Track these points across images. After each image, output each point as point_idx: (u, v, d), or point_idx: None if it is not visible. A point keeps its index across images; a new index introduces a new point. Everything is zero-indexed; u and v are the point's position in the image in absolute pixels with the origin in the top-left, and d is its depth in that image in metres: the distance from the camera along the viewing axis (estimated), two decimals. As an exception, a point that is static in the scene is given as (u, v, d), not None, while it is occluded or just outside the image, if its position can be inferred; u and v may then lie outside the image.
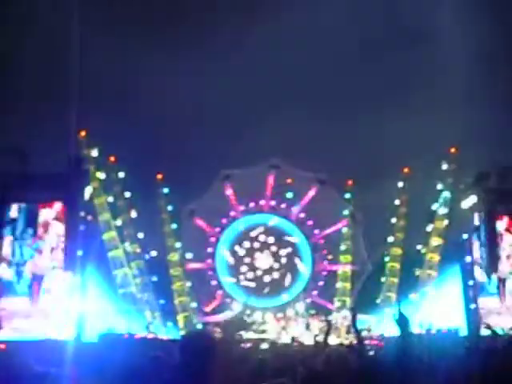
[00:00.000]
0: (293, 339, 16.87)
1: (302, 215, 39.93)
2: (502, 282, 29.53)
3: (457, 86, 37.52)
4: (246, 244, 39.48)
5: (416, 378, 6.30)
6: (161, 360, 7.14)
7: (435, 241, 34.93)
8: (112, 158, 33.77)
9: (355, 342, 8.45)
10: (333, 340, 27.92)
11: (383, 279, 37.36)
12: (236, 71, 39.00)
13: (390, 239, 37.25)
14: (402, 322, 6.15)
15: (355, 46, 40.46)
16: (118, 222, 33.66)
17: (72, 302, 25.21)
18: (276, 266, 39.18)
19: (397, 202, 37.12)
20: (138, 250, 34.77)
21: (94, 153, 31.69)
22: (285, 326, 35.49)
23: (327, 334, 9.32)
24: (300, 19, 39.31)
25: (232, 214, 39.81)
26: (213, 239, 39.42)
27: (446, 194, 34.68)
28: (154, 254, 36.03)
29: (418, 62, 39.10)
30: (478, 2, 35.72)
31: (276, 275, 39.03)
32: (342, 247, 39.37)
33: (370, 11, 39.86)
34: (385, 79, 40.12)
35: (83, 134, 31.29)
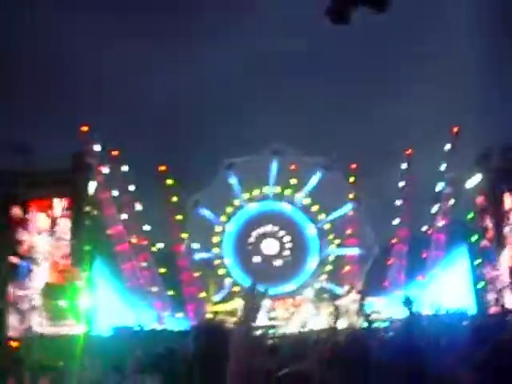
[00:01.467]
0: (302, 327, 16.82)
1: (308, 201, 39.93)
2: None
3: (458, 67, 37.45)
4: (253, 232, 39.52)
5: (425, 362, 6.35)
6: (175, 352, 7.19)
7: (441, 221, 34.93)
8: (115, 152, 33.74)
9: (364, 324, 8.53)
10: (343, 324, 28.01)
11: (390, 261, 37.41)
12: (235, 59, 38.94)
13: (396, 221, 37.25)
14: (409, 304, 6.36)
15: (361, 31, 40.22)
16: (124, 216, 33.68)
17: (82, 297, 25.34)
18: (284, 252, 39.23)
19: (401, 183, 37.09)
20: (145, 243, 34.83)
21: (97, 147, 31.65)
22: (294, 312, 35.57)
23: (336, 318, 9.38)
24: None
25: (237, 202, 39.83)
26: (219, 228, 39.47)
27: (450, 174, 34.63)
28: (160, 245, 36.11)
29: (418, 46, 38.93)
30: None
31: (284, 262, 39.08)
32: (348, 231, 39.38)
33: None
34: (387, 62, 39.99)
35: (85, 128, 31.27)
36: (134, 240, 34.08)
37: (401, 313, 30.43)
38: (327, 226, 39.92)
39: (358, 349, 5.87)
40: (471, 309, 29.41)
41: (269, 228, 39.56)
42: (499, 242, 29.77)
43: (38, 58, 32.17)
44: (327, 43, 40.39)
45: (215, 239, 39.36)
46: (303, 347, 8.56)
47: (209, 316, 35.47)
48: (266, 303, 36.39)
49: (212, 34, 38.87)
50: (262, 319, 34.37)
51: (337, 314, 9.86)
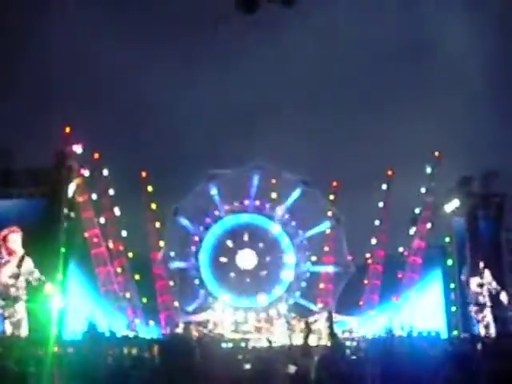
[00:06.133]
0: (269, 342, 16.68)
1: (286, 216, 39.95)
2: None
3: (443, 93, 37.86)
4: (230, 244, 39.41)
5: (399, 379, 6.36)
6: (143, 360, 7.14)
7: (418, 244, 35.13)
8: (96, 155, 33.58)
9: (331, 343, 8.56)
10: (314, 341, 27.99)
11: (366, 281, 37.50)
12: (223, 75, 38.99)
13: (373, 241, 37.41)
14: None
15: (346, 55, 40.48)
16: (102, 220, 33.47)
17: (53, 299, 25.06)
18: (259, 266, 39.15)
19: (380, 204, 37.28)
20: (121, 248, 34.62)
21: (78, 149, 31.41)
22: (267, 326, 35.50)
23: (307, 335, 9.41)
24: (302, 30, 39.13)
25: (216, 213, 39.74)
26: (196, 238, 39.32)
27: (429, 198, 34.88)
28: (137, 252, 35.91)
29: (405, 71, 39.28)
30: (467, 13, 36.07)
31: (259, 275, 39.00)
32: (325, 248, 39.47)
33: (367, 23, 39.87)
34: (371, 86, 40.27)
35: (68, 130, 31.04)
36: (110, 244, 33.88)
37: (373, 332, 30.54)
38: (304, 242, 39.95)
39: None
40: (443, 332, 29.58)
41: (246, 241, 39.48)
42: (473, 268, 29.96)
43: (22, 57, 31.99)
44: (318, 65, 40.61)
45: (192, 249, 39.21)
46: (274, 363, 8.53)
47: (181, 326, 35.29)
48: (239, 316, 36.36)
49: (207, 51, 38.75)
50: (232, 332, 34.32)
51: (307, 331, 9.86)
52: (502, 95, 37.03)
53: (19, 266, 25.46)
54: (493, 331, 27.12)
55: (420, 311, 32.75)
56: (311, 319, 34.27)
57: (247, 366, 7.22)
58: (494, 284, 29.63)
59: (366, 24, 39.99)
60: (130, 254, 35.23)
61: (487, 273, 29.54)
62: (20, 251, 25.60)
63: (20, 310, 25.01)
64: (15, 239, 25.50)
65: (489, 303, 28.81)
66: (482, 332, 27.64)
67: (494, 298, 29.41)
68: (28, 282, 25.43)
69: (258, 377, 5.32)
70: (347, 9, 38.47)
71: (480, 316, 28.19)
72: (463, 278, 29.51)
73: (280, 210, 39.89)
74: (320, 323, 33.16)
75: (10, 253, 25.24)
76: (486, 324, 27.78)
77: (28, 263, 25.72)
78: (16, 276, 25.34)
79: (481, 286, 29.30)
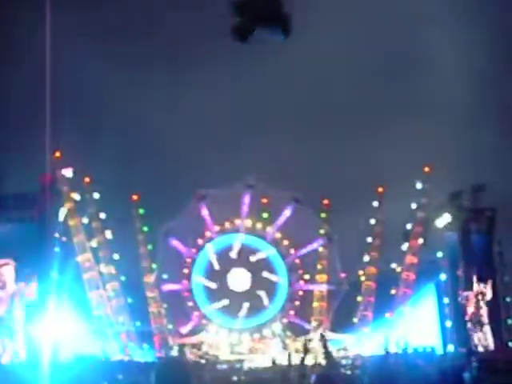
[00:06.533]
0: (274, 361, 16.65)
1: (278, 235, 39.94)
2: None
3: (431, 108, 38.08)
4: (222, 264, 39.33)
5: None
6: None
7: (410, 259, 35.17)
8: (87, 179, 33.56)
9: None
10: (310, 360, 27.87)
11: (359, 298, 37.43)
12: (210, 94, 39.08)
13: (366, 258, 37.38)
14: None
15: (335, 73, 40.61)
16: (93, 244, 33.36)
17: (46, 324, 24.88)
18: (252, 286, 39.04)
19: (372, 221, 37.31)
20: (114, 272, 34.45)
21: (69, 173, 31.43)
22: (261, 346, 35.34)
23: (304, 356, 9.38)
24: (289, 45, 39.31)
25: (208, 234, 39.67)
26: (188, 260, 39.20)
27: (420, 213, 34.98)
28: (129, 275, 35.74)
29: (393, 85, 39.49)
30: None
31: (252, 295, 38.88)
32: (318, 267, 39.38)
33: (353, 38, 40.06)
34: (359, 102, 40.44)
35: (58, 154, 31.06)
36: (102, 268, 33.73)
37: (368, 350, 30.54)
38: (297, 261, 39.90)
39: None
40: (438, 347, 29.54)
41: (238, 261, 39.39)
42: (467, 281, 30.02)
43: (11, 80, 32.01)
44: (303, 83, 40.74)
45: (184, 271, 39.07)
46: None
47: (175, 348, 35.05)
48: (234, 337, 36.18)
49: (191, 70, 38.86)
50: (227, 353, 34.14)
51: (305, 351, 9.86)
52: (489, 110, 37.33)
53: (13, 296, 25.30)
54: (491, 346, 27.07)
55: (414, 326, 32.70)
56: (306, 338, 34.22)
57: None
58: (489, 296, 29.70)
59: (353, 41, 40.25)
60: (123, 278, 35.05)
61: (483, 287, 29.59)
62: (13, 283, 25.45)
63: (16, 338, 24.84)
64: (8, 271, 25.37)
65: (486, 318, 28.80)
66: (481, 347, 27.59)
67: (491, 312, 29.46)
68: (22, 311, 25.28)
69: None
70: (334, 28, 38.72)
71: (478, 331, 28.14)
72: (460, 293, 29.53)
73: (271, 229, 39.89)
74: (315, 342, 33.02)
75: (4, 285, 25.10)
76: (484, 339, 27.72)
77: (22, 292, 25.56)
78: (10, 307, 25.17)
79: (477, 301, 29.32)
